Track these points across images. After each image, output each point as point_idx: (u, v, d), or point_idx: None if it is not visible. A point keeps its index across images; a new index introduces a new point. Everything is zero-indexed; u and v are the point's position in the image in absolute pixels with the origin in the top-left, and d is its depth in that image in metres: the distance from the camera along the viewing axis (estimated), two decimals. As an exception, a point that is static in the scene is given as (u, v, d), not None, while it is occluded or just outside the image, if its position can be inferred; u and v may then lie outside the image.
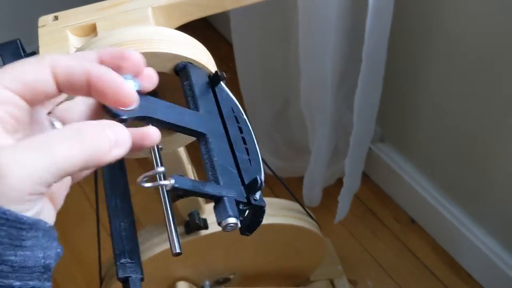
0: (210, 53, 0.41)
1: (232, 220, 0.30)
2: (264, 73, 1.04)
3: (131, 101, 0.28)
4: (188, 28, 0.45)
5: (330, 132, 0.97)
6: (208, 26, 1.55)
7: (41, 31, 0.46)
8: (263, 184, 0.32)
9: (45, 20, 0.47)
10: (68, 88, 0.27)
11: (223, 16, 1.29)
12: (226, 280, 0.86)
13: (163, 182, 0.30)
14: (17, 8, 1.31)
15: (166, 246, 0.70)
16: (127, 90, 0.28)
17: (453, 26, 0.82)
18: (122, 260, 0.48)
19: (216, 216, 0.31)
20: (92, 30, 0.46)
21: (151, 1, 0.47)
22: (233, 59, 1.03)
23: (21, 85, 0.25)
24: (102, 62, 0.28)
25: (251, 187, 0.33)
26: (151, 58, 0.39)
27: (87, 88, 0.27)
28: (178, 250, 0.38)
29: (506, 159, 0.87)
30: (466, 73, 0.86)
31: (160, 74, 0.43)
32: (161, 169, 0.31)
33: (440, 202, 1.04)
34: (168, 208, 0.40)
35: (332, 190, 1.14)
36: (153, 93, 0.46)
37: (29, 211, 0.23)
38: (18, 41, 0.46)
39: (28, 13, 1.29)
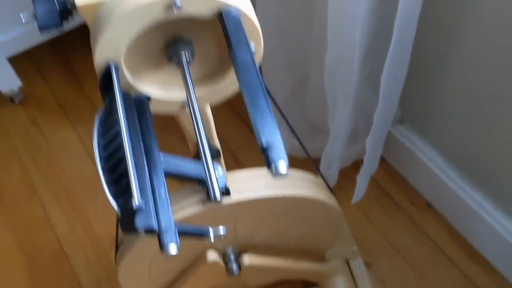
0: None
1: None
2: (284, 44, 1.01)
3: None
4: None
5: (352, 109, 0.95)
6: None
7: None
8: None
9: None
10: None
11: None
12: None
13: None
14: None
15: (193, 210, 0.69)
16: None
17: (486, 8, 0.80)
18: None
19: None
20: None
21: None
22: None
23: None
24: None
25: None
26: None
27: None
28: (219, 198, 0.37)
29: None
30: (493, 55, 0.83)
31: (197, 23, 0.42)
32: None
33: (459, 185, 1.02)
34: (208, 158, 0.39)
35: (348, 172, 1.13)
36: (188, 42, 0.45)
37: None
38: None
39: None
